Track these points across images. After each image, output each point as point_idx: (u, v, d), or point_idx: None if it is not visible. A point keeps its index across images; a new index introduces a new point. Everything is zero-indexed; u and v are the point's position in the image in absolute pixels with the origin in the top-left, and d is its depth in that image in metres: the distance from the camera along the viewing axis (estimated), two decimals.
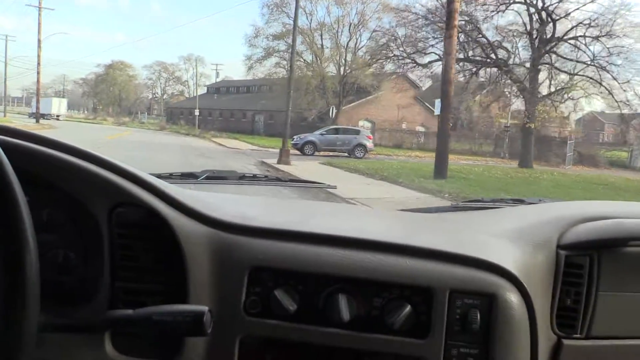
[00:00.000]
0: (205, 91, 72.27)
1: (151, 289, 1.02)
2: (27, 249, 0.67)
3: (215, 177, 2.05)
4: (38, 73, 46.45)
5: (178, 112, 65.14)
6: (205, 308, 0.86)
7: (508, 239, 1.17)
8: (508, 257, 1.07)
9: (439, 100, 16.40)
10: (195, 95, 57.87)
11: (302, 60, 42.40)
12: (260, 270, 1.02)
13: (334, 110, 42.42)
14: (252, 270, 1.01)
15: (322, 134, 29.02)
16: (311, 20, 41.74)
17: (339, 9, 41.00)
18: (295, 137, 28.63)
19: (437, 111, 16.94)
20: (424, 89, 51.45)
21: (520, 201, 1.81)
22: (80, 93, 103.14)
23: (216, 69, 72.94)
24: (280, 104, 50.51)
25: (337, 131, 29.60)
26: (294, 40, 19.69)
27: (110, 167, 1.03)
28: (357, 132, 29.82)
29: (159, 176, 1.58)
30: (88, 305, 0.99)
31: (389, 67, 44.21)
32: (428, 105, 50.71)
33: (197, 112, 48.69)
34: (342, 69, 41.94)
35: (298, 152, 25.89)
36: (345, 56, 41.42)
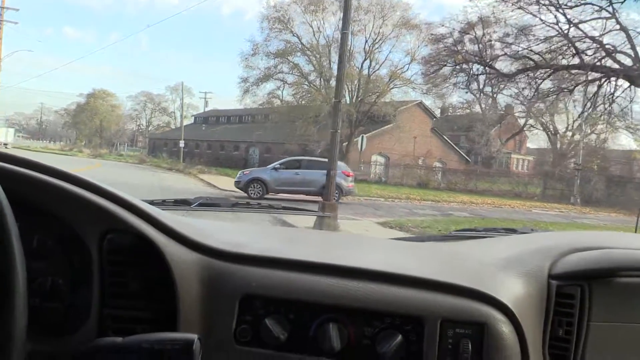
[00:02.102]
0: (193, 121, 65.26)
1: (141, 316, 1.00)
2: (16, 277, 0.66)
3: (209, 204, 2.04)
4: None
5: (161, 144, 57.94)
6: (195, 336, 0.86)
7: (499, 268, 1.17)
8: (499, 287, 1.06)
9: None
10: (181, 125, 50.58)
11: (307, 83, 35.57)
12: (251, 298, 1.01)
13: (345, 143, 35.59)
14: (243, 298, 1.00)
15: (276, 169, 19.87)
16: (319, 37, 35.04)
17: (352, 25, 34.37)
18: (240, 172, 20.70)
19: None
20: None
21: (513, 231, 1.83)
22: (62, 123, 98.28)
23: (205, 97, 65.82)
24: (279, 134, 43.16)
25: (299, 164, 20.36)
26: (343, 43, 12.58)
27: (101, 193, 1.01)
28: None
29: (152, 203, 1.60)
30: (76, 333, 0.98)
31: (410, 92, 38.00)
32: (446, 138, 44.31)
33: (182, 144, 41.62)
34: (355, 93, 35.12)
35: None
36: (359, 79, 34.60)
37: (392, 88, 35.10)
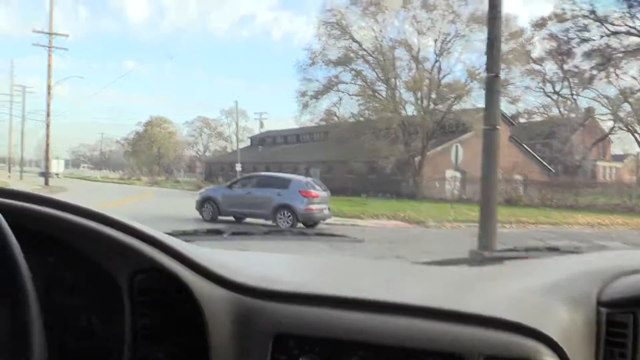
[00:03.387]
0: (249, 144, 62.58)
1: (173, 355, 0.99)
2: (31, 315, 0.66)
3: (241, 233, 2.02)
4: (47, 126, 37.59)
5: (218, 168, 55.42)
6: None
7: (544, 296, 1.09)
8: (544, 317, 0.99)
9: None
10: (237, 149, 47.77)
11: (372, 92, 31.68)
12: (284, 337, 0.97)
13: (417, 157, 31.51)
14: (276, 337, 0.97)
15: (229, 187, 16.76)
16: (382, 41, 31.18)
17: (417, 24, 30.22)
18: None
19: None
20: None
21: (555, 249, 1.75)
22: (123, 153, 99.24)
23: (260, 118, 63.06)
24: (342, 152, 38.34)
25: (251, 182, 16.68)
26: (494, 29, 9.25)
27: (130, 231, 1.01)
28: (285, 184, 15.33)
29: (184, 233, 1.66)
30: None
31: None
32: (526, 147, 39.36)
33: (238, 167, 38.58)
34: (425, 101, 30.98)
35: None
36: (430, 86, 30.47)
37: (469, 91, 30.72)
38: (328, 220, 16.90)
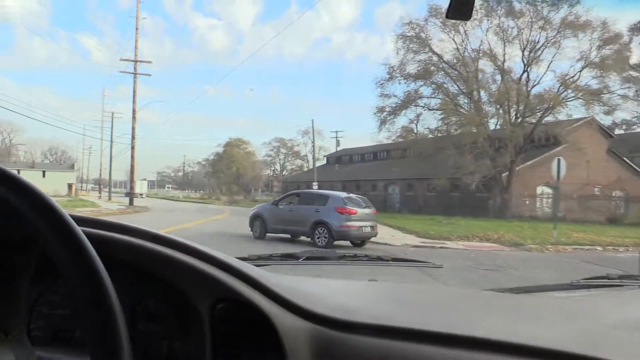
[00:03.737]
0: (325, 162, 61.95)
1: None
2: (122, 342, 0.65)
3: (316, 258, 2.00)
4: (132, 148, 38.61)
5: (294, 187, 55.11)
6: None
7: (633, 332, 1.04)
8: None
9: None
10: (313, 167, 47.12)
11: (454, 106, 29.91)
12: None
13: (505, 173, 29.33)
14: None
15: (275, 204, 16.23)
16: (463, 52, 29.39)
17: (502, 33, 28.23)
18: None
19: None
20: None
21: None
22: (204, 173, 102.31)
23: (336, 137, 62.36)
24: (423, 169, 36.52)
25: (294, 199, 16.53)
26: None
27: (212, 261, 1.01)
28: (323, 201, 14.99)
29: (259, 258, 1.70)
30: None
31: (578, 107, 30.76)
32: (627, 160, 35.93)
33: (315, 186, 37.72)
34: (514, 113, 28.82)
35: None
36: (518, 98, 28.31)
37: (564, 100, 28.22)
38: (413, 242, 15.47)
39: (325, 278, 1.55)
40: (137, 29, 39.19)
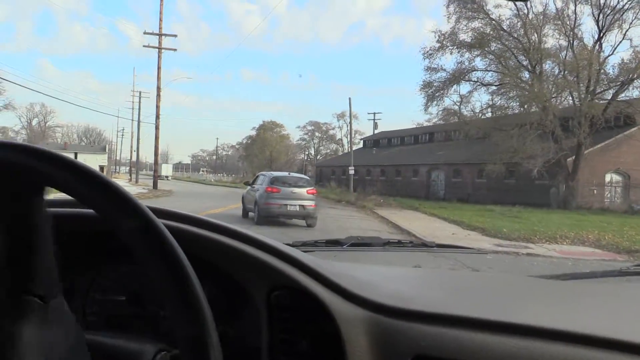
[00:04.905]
0: (362, 146, 58.17)
1: None
2: (208, 330, 0.65)
3: (360, 244, 1.97)
4: (156, 128, 35.75)
5: (329, 172, 51.68)
6: None
7: None
8: None
9: None
10: (349, 150, 43.45)
11: (515, 78, 25.68)
12: (422, 358, 0.93)
13: (570, 157, 25.18)
14: (414, 358, 0.93)
15: (250, 186, 17.06)
16: (528, 12, 25.01)
17: None
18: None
19: None
20: None
21: None
22: (237, 157, 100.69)
23: (374, 119, 58.43)
24: (471, 153, 30.23)
25: (257, 180, 16.99)
26: None
27: (267, 249, 1.02)
28: (262, 180, 16.04)
29: (304, 244, 1.70)
30: None
31: None
32: None
33: (351, 170, 34.12)
34: (586, 87, 24.48)
35: None
36: (590, 70, 23.95)
37: None
38: (483, 243, 11.83)
39: (370, 264, 1.56)
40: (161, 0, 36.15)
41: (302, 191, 15.34)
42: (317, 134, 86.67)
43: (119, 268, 1.06)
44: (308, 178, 17.40)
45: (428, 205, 24.43)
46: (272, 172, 17.96)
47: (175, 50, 37.35)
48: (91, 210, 0.62)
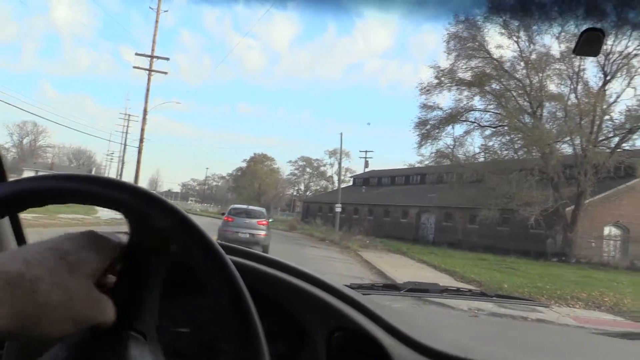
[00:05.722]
0: (352, 184, 56.44)
1: None
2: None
3: (417, 290, 1.93)
4: (139, 152, 33.92)
5: (316, 208, 49.74)
6: None
7: None
8: None
9: None
10: (338, 183, 41.75)
11: (515, 121, 24.10)
12: None
13: (570, 207, 23.55)
14: None
15: (226, 217, 18.23)
16: (530, 53, 23.67)
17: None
18: None
19: None
20: None
21: None
22: (226, 188, 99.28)
23: (365, 157, 56.91)
24: (464, 197, 29.81)
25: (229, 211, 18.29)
26: None
27: (329, 290, 1.02)
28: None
29: (360, 287, 1.63)
30: None
31: None
32: None
33: (338, 208, 32.28)
34: (589, 135, 22.94)
35: None
36: (594, 116, 22.51)
37: None
38: (489, 305, 9.88)
39: (427, 310, 1.74)
40: (156, 22, 34.86)
41: (254, 222, 16.64)
42: (307, 169, 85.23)
43: (184, 299, 1.01)
44: (264, 211, 18.31)
45: (417, 250, 22.49)
46: (236, 205, 19.62)
47: (166, 73, 35.88)
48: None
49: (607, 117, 23.38)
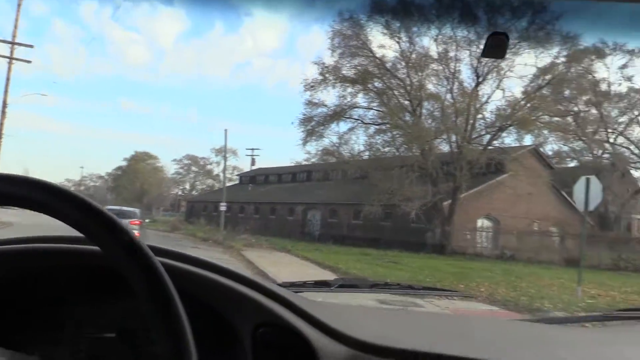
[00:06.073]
0: (238, 182, 55.22)
1: None
2: None
3: (348, 285, 1.99)
4: None
5: (201, 208, 47.94)
6: None
7: None
8: None
9: None
10: (222, 180, 40.54)
11: (396, 118, 24.58)
12: None
13: (447, 201, 24.53)
14: None
15: None
16: (411, 53, 24.27)
17: (451, 41, 23.41)
18: None
19: None
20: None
21: None
22: (106, 188, 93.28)
23: (252, 155, 55.85)
24: (349, 193, 29.42)
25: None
26: None
27: (253, 286, 1.02)
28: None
29: (293, 284, 1.64)
30: None
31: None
32: (565, 195, 32.46)
33: (222, 207, 31.14)
34: (463, 132, 24.00)
35: None
36: (468, 115, 23.60)
37: (536, 117, 23.92)
38: (370, 302, 9.57)
39: (358, 305, 1.57)
40: (19, 5, 31.32)
41: (126, 222, 15.76)
42: (193, 168, 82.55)
43: (111, 304, 1.02)
44: (137, 211, 18.37)
45: (302, 247, 22.13)
46: (109, 206, 18.76)
47: (29, 62, 32.32)
48: (88, 246, 0.65)
49: (479, 116, 24.68)
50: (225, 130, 36.28)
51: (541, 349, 1.16)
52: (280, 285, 1.28)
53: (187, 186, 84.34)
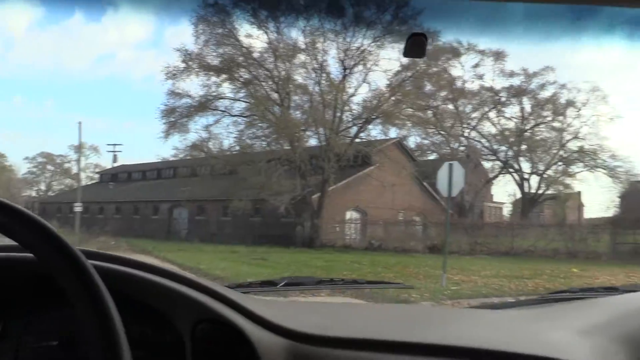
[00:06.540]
0: (99, 180, 51.03)
1: None
2: None
3: (294, 284, 2.00)
4: None
5: (54, 210, 43.53)
6: None
7: (602, 335, 1.05)
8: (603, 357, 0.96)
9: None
10: (77, 178, 37.07)
11: (263, 109, 23.68)
12: None
13: (316, 194, 24.32)
14: None
15: None
16: (279, 43, 23.45)
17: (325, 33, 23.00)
18: None
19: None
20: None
21: (614, 289, 1.66)
22: None
23: (113, 151, 51.81)
24: (217, 189, 28.56)
25: None
26: None
27: (190, 284, 1.04)
28: None
29: (239, 286, 1.65)
30: None
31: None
32: (426, 185, 33.97)
33: (78, 208, 28.24)
34: (332, 125, 23.82)
35: None
36: (336, 107, 23.46)
37: (399, 110, 24.30)
38: None
39: (302, 301, 1.64)
40: None
41: None
42: (49, 167, 75.20)
43: (52, 312, 1.01)
44: None
45: (165, 248, 20.51)
46: None
47: None
48: (25, 254, 0.65)
49: (347, 108, 24.68)
50: (79, 122, 32.62)
51: (474, 328, 1.16)
52: (227, 287, 1.23)
53: (43, 187, 76.96)
